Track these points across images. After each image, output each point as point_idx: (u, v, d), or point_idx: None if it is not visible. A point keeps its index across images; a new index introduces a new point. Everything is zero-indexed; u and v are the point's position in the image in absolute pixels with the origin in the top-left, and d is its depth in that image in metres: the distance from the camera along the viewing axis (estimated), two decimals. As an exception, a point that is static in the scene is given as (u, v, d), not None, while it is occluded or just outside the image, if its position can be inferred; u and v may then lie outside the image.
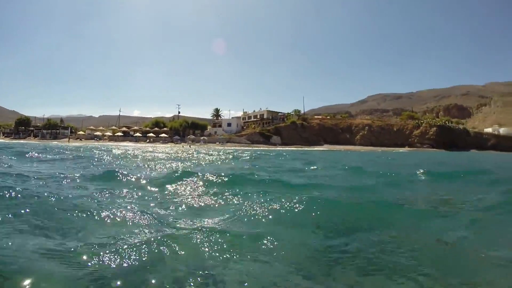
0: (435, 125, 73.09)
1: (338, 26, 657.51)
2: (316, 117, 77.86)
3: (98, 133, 65.19)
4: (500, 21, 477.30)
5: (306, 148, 50.90)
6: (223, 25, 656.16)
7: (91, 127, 76.83)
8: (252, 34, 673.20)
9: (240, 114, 78.50)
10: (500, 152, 61.39)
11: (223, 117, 77.19)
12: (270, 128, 62.08)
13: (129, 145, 40.89)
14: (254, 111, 74.37)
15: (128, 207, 3.72)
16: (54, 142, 47.32)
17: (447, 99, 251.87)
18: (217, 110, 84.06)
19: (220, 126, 68.05)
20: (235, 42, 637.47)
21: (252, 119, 72.40)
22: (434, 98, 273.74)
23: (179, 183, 6.16)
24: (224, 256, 2.37)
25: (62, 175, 6.65)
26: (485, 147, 73.00)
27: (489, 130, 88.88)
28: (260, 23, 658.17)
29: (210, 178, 6.53)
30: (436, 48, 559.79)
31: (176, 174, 7.26)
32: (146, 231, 2.96)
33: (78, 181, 6.15)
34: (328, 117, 79.34)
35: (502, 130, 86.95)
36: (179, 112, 79.57)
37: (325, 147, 58.16)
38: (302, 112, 75.37)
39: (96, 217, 3.27)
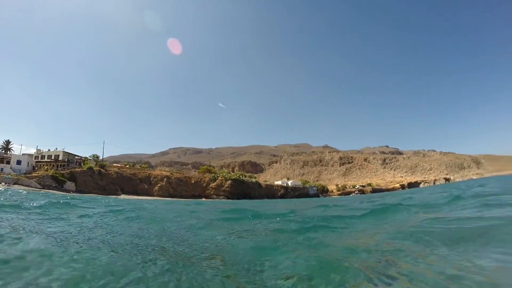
0: (230, 178, 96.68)
1: (143, 73, 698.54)
2: (115, 165, 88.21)
3: None
4: (289, 94, 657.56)
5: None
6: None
7: None
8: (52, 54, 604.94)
9: (33, 151, 78.03)
10: (287, 199, 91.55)
11: (13, 152, 74.47)
12: (64, 172, 66.02)
13: None
14: (49, 150, 75.87)
15: None
16: None
17: (243, 156, 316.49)
18: (7, 143, 78.95)
19: (8, 162, 66.07)
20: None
21: (46, 159, 74.04)
22: (231, 154, 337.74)
23: None
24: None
25: None
26: (276, 197, 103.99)
27: (279, 182, 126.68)
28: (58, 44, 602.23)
29: None
30: (236, 111, 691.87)
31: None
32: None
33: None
34: (127, 166, 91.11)
35: (290, 183, 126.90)
36: (-41, 140, 70.03)
37: (122, 197, 68.51)
38: (101, 158, 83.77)
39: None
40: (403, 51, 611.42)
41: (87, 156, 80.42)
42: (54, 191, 57.86)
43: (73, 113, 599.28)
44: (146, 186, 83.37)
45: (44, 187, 59.66)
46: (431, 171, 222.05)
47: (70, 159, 75.20)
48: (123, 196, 69.22)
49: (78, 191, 64.53)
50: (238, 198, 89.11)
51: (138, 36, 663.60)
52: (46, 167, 68.93)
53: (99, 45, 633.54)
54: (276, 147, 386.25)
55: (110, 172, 78.24)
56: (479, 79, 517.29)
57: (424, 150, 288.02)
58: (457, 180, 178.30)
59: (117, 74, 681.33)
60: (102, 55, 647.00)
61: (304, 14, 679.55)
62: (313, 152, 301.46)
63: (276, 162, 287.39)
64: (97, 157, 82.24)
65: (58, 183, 63.16)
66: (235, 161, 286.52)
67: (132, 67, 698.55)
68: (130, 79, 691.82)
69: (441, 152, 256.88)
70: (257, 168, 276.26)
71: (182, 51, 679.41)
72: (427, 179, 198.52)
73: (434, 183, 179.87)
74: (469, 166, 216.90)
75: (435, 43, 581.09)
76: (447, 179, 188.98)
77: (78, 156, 78.43)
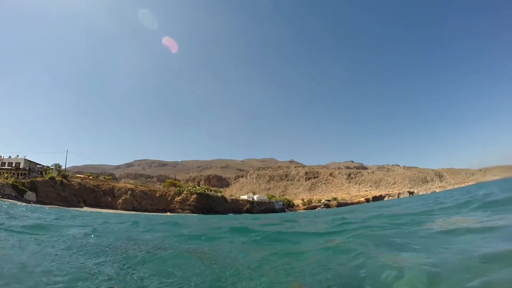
0: (195, 192, 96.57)
1: (110, 82, 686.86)
2: (78, 175, 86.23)
3: None
4: (255, 108, 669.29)
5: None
6: None
7: None
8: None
9: (-8, 157, 74.98)
10: (252, 214, 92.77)
11: (-28, 158, 71.22)
12: (25, 181, 63.54)
13: None
14: (10, 157, 73.58)
15: None
16: None
17: (209, 170, 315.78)
18: (-32, 148, 75.78)
19: (-34, 168, 62.81)
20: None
21: (7, 167, 71.01)
22: (197, 168, 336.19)
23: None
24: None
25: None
26: (241, 211, 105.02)
27: (244, 197, 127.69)
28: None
29: None
30: (203, 125, 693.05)
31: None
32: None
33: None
34: (90, 177, 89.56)
35: (256, 197, 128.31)
36: None
37: (84, 209, 67.37)
38: (64, 168, 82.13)
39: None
40: (367, 69, 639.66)
41: (49, 165, 78.62)
42: (14, 201, 56.60)
43: (36, 119, 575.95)
44: (109, 199, 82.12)
45: (3, 196, 57.99)
46: (395, 185, 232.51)
47: (32, 168, 73.11)
48: (86, 209, 68.17)
49: (39, 201, 62.92)
50: (203, 213, 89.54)
51: (107, 43, 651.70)
52: (6, 175, 66.62)
53: (65, 48, 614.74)
54: (242, 161, 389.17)
55: (72, 183, 76.58)
56: (439, 96, 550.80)
57: (388, 165, 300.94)
58: (421, 193, 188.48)
59: (84, 81, 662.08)
60: (69, 59, 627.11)
61: (273, 29, 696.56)
62: (279, 167, 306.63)
63: (242, 177, 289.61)
64: (60, 166, 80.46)
65: (18, 192, 61.34)
66: (201, 175, 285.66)
67: (100, 74, 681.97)
68: (97, 87, 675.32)
69: (404, 167, 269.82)
70: (223, 182, 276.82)
71: (148, 62, 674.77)
72: (391, 192, 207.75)
73: (398, 197, 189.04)
74: (432, 179, 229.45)
75: (399, 62, 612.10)
76: (411, 193, 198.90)
77: (40, 164, 76.36)
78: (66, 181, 74.66)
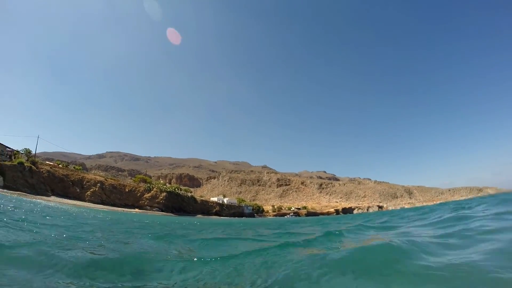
0: (165, 190, 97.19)
1: (87, 66, 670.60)
2: (48, 163, 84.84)
3: None
4: (232, 111, 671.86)
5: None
6: None
7: None
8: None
9: (-40, 139, 72.71)
10: (221, 218, 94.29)
11: None
12: None
13: None
14: None
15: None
16: None
17: (181, 169, 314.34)
18: None
19: None
20: None
21: None
22: (170, 165, 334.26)
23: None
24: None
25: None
26: (210, 213, 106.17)
27: (214, 199, 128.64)
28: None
29: None
30: (178, 122, 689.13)
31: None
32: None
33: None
34: (60, 165, 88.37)
35: (226, 200, 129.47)
36: None
37: (51, 199, 66.64)
38: (34, 153, 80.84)
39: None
40: (344, 85, 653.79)
41: (18, 150, 77.19)
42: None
43: (6, 99, 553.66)
44: (78, 190, 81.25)
45: (-31, 179, 57.48)
46: (365, 198, 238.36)
47: (1, 151, 71.65)
48: (53, 198, 67.71)
49: (6, 187, 62.33)
50: (172, 212, 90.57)
51: (89, 26, 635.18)
52: (-27, 157, 65.29)
53: (47, 22, 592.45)
54: (215, 162, 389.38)
55: (41, 170, 75.28)
56: (413, 114, 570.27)
57: (360, 178, 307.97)
58: (390, 208, 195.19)
59: (62, 64, 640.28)
60: (47, 37, 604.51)
61: (262, 35, 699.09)
62: (252, 171, 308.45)
63: (214, 178, 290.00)
64: (30, 151, 78.97)
65: (-15, 175, 60.67)
66: (173, 173, 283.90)
67: (78, 57, 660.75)
68: (75, 72, 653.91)
69: (375, 181, 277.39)
70: (194, 182, 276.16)
71: (127, 52, 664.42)
72: (361, 205, 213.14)
73: (367, 210, 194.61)
74: (402, 195, 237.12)
75: (377, 79, 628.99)
76: (380, 207, 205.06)
77: (9, 148, 74.96)
78: (35, 168, 73.11)
